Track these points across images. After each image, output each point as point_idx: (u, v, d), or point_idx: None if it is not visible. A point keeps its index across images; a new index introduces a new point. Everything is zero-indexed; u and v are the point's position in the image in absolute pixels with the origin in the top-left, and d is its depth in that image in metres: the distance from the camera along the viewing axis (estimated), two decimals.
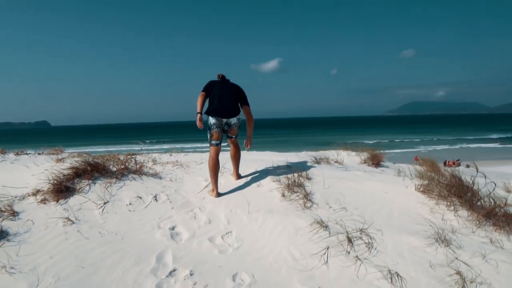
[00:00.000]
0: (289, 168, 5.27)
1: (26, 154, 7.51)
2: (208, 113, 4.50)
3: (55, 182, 4.37)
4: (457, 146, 49.90)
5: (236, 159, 4.94)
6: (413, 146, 50.73)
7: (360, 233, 3.40)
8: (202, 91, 4.57)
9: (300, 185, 4.40)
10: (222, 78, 4.76)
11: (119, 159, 5.34)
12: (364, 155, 6.91)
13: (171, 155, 6.89)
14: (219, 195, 4.45)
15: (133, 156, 5.33)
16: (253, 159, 6.07)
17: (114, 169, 4.98)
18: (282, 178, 4.60)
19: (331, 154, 7.14)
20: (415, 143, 55.37)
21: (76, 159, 5.24)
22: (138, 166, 5.14)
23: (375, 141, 51.36)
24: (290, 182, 4.40)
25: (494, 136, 66.10)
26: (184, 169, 5.58)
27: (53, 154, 7.97)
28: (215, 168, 4.48)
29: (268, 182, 4.59)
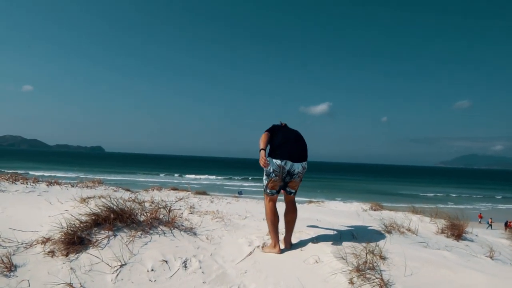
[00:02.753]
0: (354, 237, 4.16)
1: (59, 184, 6.98)
2: (273, 155, 3.76)
3: (69, 230, 3.59)
4: None
5: (291, 222, 4.02)
6: (471, 202, 46.85)
7: None
8: (266, 131, 3.92)
9: (374, 268, 3.28)
10: (285, 127, 4.15)
11: (144, 205, 4.52)
12: (441, 222, 5.67)
13: (212, 202, 6.02)
14: (282, 251, 3.82)
15: (166, 206, 4.46)
16: (306, 219, 5.03)
17: (142, 218, 4.15)
18: (348, 254, 3.51)
19: (399, 217, 5.95)
20: (474, 199, 51.14)
21: (103, 201, 4.48)
22: (170, 218, 4.27)
23: (432, 194, 48.13)
24: (360, 263, 3.30)
25: None
26: (224, 223, 4.65)
27: (88, 187, 7.41)
28: (275, 221, 3.90)
29: (330, 259, 3.50)
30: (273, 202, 3.90)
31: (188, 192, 12.85)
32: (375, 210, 11.03)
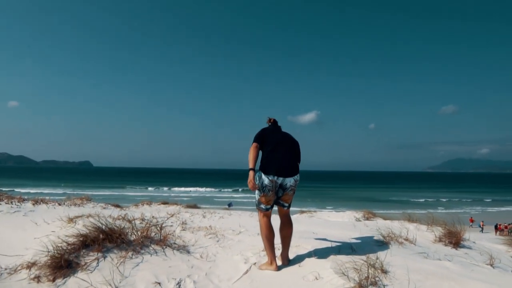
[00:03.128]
0: (353, 250, 4.05)
1: (45, 203, 6.74)
2: (264, 170, 3.60)
3: (55, 254, 3.40)
4: (510, 208, 45.94)
5: (287, 237, 3.86)
6: (461, 206, 47.20)
7: None
8: (254, 141, 3.72)
9: (376, 284, 3.17)
10: (274, 123, 4.02)
11: (134, 223, 4.35)
12: (438, 230, 5.60)
13: (204, 217, 5.86)
14: (279, 268, 3.65)
15: (157, 224, 4.30)
16: (302, 232, 4.91)
17: (133, 237, 3.98)
18: (349, 269, 3.38)
19: (396, 227, 5.87)
20: (464, 203, 51.52)
21: (91, 220, 4.29)
22: (162, 236, 4.11)
23: (422, 200, 48.37)
24: (361, 278, 3.18)
25: None
26: (218, 240, 4.50)
27: (76, 204, 7.18)
28: (271, 237, 3.71)
29: (330, 275, 3.36)
30: (268, 217, 3.74)
31: (179, 206, 12.63)
32: (368, 218, 10.96)
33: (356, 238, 4.73)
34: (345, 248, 4.12)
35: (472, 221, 34.04)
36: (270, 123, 4.04)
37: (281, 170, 3.60)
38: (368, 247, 4.25)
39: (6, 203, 6.28)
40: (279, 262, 3.77)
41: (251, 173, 3.54)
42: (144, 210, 9.23)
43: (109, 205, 8.14)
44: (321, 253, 3.94)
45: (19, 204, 6.37)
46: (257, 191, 3.67)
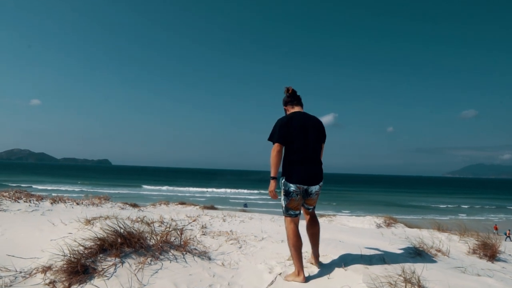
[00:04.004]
0: (385, 262, 3.77)
1: (64, 202, 6.65)
2: (288, 178, 3.34)
3: (72, 258, 3.24)
4: None
5: (316, 234, 3.64)
6: (483, 213, 45.78)
7: None
8: (277, 140, 3.28)
9: None
10: (293, 95, 3.56)
11: (153, 226, 4.17)
12: (471, 241, 5.27)
13: (224, 220, 5.65)
14: (307, 279, 3.33)
15: (177, 228, 4.10)
16: (328, 240, 4.64)
17: (152, 242, 3.79)
18: (384, 284, 3.11)
19: (425, 236, 5.55)
20: (486, 210, 49.95)
21: (109, 222, 4.13)
22: (182, 241, 3.91)
23: (443, 206, 47.17)
24: None
25: None
26: (240, 246, 4.29)
27: (94, 204, 7.09)
28: (299, 245, 3.37)
29: None
30: (296, 224, 3.42)
31: (196, 207, 12.50)
32: (389, 224, 10.61)
33: (386, 248, 4.44)
34: (376, 259, 3.84)
35: (496, 228, 32.99)
36: (288, 94, 3.56)
37: (306, 180, 3.37)
38: (401, 259, 3.96)
39: (24, 201, 6.23)
40: (309, 268, 3.53)
41: (272, 182, 3.26)
42: (162, 210, 9.11)
43: (127, 205, 8.03)
44: (351, 264, 3.67)
45: (37, 202, 6.31)
46: (283, 197, 3.42)
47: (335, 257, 3.97)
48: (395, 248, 4.54)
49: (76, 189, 46.99)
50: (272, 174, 3.24)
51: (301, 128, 3.35)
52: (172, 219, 5.45)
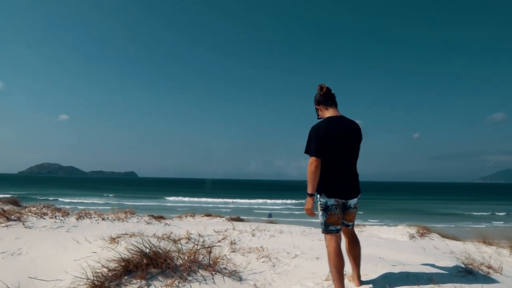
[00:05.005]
0: (434, 282, 3.40)
1: (89, 217, 6.53)
2: (325, 192, 3.05)
3: (95, 281, 3.04)
4: None
5: (357, 256, 3.34)
6: None
7: None
8: (315, 154, 2.95)
9: None
10: (327, 93, 3.21)
11: (180, 243, 3.94)
12: None
13: (253, 235, 5.38)
14: None
15: (205, 246, 3.85)
16: (367, 256, 4.27)
17: (179, 262, 3.56)
18: None
19: (471, 250, 5.12)
20: None
21: (134, 241, 3.93)
22: (211, 260, 3.66)
23: (476, 213, 45.28)
24: None
25: None
26: (272, 264, 4.00)
27: (120, 219, 6.94)
28: (341, 266, 3.04)
29: None
30: (337, 242, 3.09)
31: (222, 218, 12.27)
32: (422, 234, 10.06)
33: (432, 266, 4.06)
34: (423, 279, 3.48)
35: None
36: (322, 93, 3.21)
37: (345, 193, 3.10)
38: (451, 278, 3.58)
39: (50, 217, 6.13)
40: (351, 284, 3.22)
41: (310, 200, 3.00)
42: (188, 223, 8.92)
43: (153, 219, 7.86)
44: (396, 286, 3.33)
45: (62, 218, 6.20)
46: (321, 213, 3.12)
47: (376, 276, 3.63)
48: (442, 265, 4.14)
49: (101, 202, 47.65)
50: (309, 191, 2.97)
51: (339, 138, 3.04)
52: (199, 235, 5.22)
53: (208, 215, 13.19)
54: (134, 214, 8.09)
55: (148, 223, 6.95)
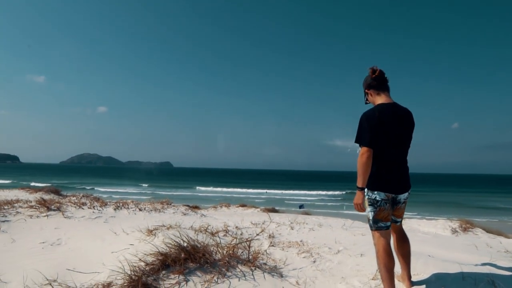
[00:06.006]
0: (495, 285, 3.09)
1: (127, 208, 6.56)
2: (375, 187, 2.79)
3: (132, 275, 2.95)
4: None
5: (407, 255, 3.08)
6: None
7: None
8: (368, 144, 2.70)
9: None
10: (380, 76, 2.90)
11: (218, 236, 3.80)
12: None
13: (292, 228, 5.19)
14: None
15: (243, 240, 3.70)
16: (416, 254, 3.94)
17: (218, 256, 3.43)
18: None
19: None
20: None
21: (171, 234, 3.83)
22: (251, 255, 3.50)
23: None
24: None
25: None
26: (314, 260, 3.79)
27: (156, 210, 6.94)
28: (391, 266, 2.78)
29: None
30: (387, 239, 2.83)
31: (257, 209, 12.19)
32: (465, 229, 9.53)
33: (490, 265, 3.72)
34: (482, 281, 3.16)
35: None
36: (374, 76, 2.92)
37: (397, 187, 2.84)
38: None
39: (88, 208, 6.19)
40: (401, 285, 2.97)
41: (360, 194, 2.76)
42: (223, 213, 8.87)
43: (189, 210, 7.83)
44: (447, 282, 3.05)
45: (100, 209, 6.25)
46: (369, 208, 2.86)
47: (428, 276, 3.34)
48: (500, 265, 3.79)
49: (135, 191, 48.86)
50: (359, 184, 2.72)
51: (393, 127, 2.76)
52: (237, 227, 5.09)
53: (243, 205, 13.19)
54: (170, 204, 8.11)
55: (185, 214, 6.90)
